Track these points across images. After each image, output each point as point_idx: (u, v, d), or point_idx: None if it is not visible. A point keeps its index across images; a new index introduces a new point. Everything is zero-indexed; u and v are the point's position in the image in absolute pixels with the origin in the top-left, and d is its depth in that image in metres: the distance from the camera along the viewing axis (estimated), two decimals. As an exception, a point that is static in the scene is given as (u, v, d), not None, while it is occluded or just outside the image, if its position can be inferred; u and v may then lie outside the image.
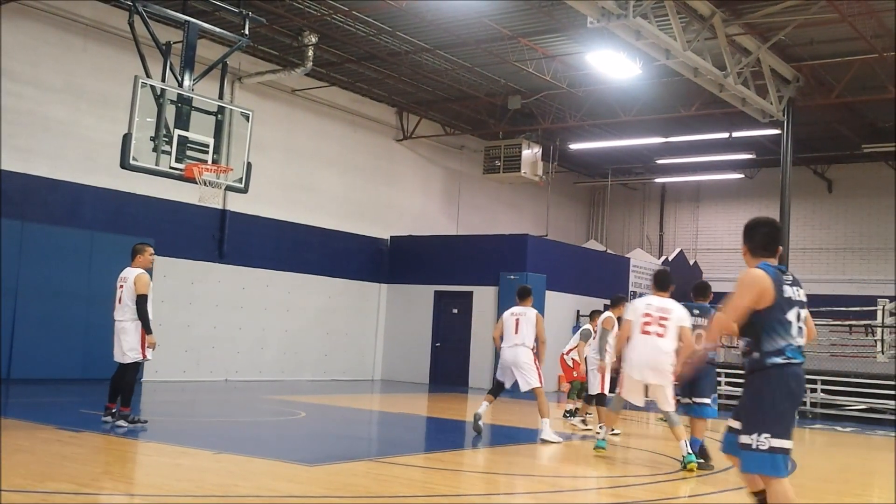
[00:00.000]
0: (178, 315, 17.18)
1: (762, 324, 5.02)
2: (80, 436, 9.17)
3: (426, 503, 6.92)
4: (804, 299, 5.14)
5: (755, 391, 5.07)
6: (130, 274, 10.03)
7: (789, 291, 5.06)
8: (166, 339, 16.82)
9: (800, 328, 5.06)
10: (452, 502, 7.05)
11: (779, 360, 4.99)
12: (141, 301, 9.87)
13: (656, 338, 8.97)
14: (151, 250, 10.40)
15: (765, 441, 4.94)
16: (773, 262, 5.19)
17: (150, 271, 10.25)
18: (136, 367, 10.02)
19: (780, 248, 5.32)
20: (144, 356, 9.98)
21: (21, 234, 14.80)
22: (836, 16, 14.51)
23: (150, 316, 9.99)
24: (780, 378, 4.99)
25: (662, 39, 13.75)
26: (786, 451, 4.98)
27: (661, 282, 9.35)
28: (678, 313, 9.06)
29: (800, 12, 14.60)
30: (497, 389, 11.19)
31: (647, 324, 9.03)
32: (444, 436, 12.33)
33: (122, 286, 10.04)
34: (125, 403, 9.91)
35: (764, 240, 5.26)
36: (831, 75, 17.99)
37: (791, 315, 5.03)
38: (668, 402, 9.02)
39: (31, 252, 14.89)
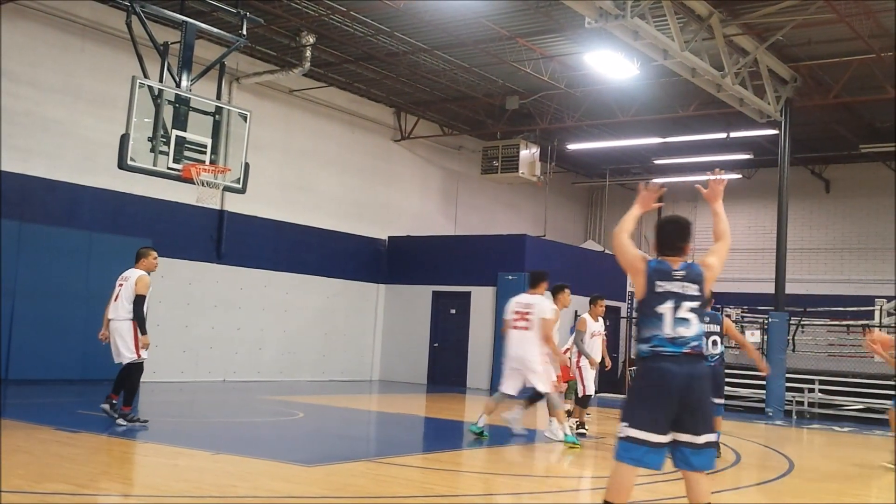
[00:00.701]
0: (176, 315, 17.17)
1: (639, 315, 5.33)
2: (78, 436, 9.17)
3: (425, 503, 6.92)
4: (694, 293, 5.31)
5: (632, 381, 5.37)
6: (133, 274, 10.10)
7: (668, 286, 5.31)
8: (164, 339, 16.84)
9: (682, 319, 5.20)
10: (451, 502, 7.05)
11: (645, 348, 5.21)
12: (138, 301, 9.93)
13: (523, 331, 10.23)
14: (155, 254, 10.47)
15: (623, 429, 5.13)
16: (678, 260, 5.46)
17: (151, 275, 10.31)
18: (139, 368, 10.07)
19: (682, 244, 5.56)
20: (139, 355, 9.97)
21: (19, 235, 14.78)
22: (833, 16, 14.52)
23: (148, 319, 10.04)
24: (645, 370, 5.20)
25: (660, 40, 13.76)
26: (644, 443, 5.08)
27: (533, 280, 10.62)
28: (539, 307, 10.27)
29: (798, 13, 14.61)
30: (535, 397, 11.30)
31: (516, 320, 10.32)
32: (443, 436, 12.33)
33: (121, 285, 10.10)
34: (126, 403, 9.96)
35: (668, 238, 5.57)
36: (829, 75, 18.00)
37: (664, 307, 5.23)
38: (543, 386, 10.28)
39: (29, 252, 14.88)
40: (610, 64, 16.18)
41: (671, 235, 5.58)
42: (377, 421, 13.94)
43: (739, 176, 26.60)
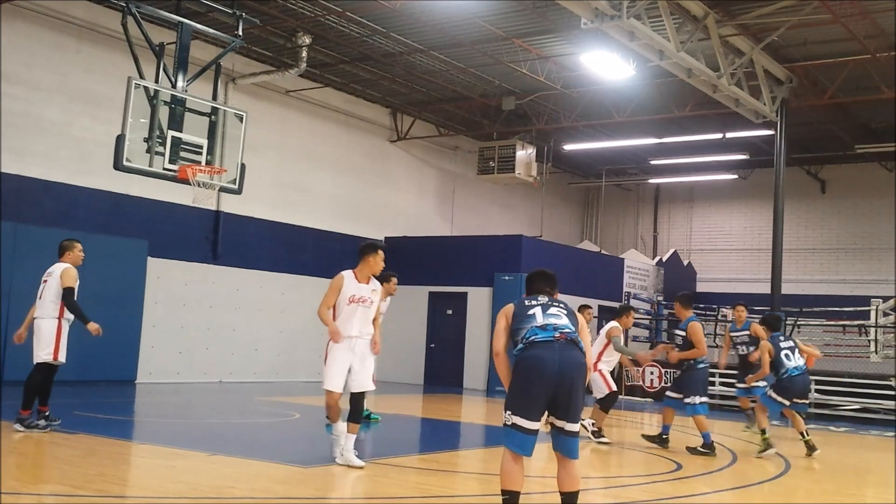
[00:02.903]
0: (171, 316, 17.15)
1: (514, 333, 5.72)
2: (74, 438, 9.15)
3: (421, 504, 6.91)
4: (561, 307, 5.82)
5: (513, 373, 5.70)
6: (57, 269, 9.54)
7: (534, 302, 5.81)
8: (160, 340, 16.85)
9: (551, 314, 5.68)
10: (447, 503, 7.04)
11: (520, 347, 5.61)
12: (67, 294, 9.38)
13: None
14: (80, 247, 9.86)
15: (508, 417, 5.56)
16: (543, 298, 5.89)
17: (78, 269, 9.73)
18: (46, 369, 9.47)
19: (549, 289, 6.02)
20: (56, 357, 9.40)
21: (14, 236, 14.75)
22: (829, 17, 14.54)
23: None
24: (520, 359, 5.58)
25: (656, 40, 13.77)
26: (522, 430, 5.50)
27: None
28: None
29: (793, 13, 14.63)
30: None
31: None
32: (439, 437, 12.33)
33: (45, 281, 9.57)
34: (26, 407, 9.37)
35: (535, 285, 6.05)
36: (824, 76, 18.03)
37: (534, 310, 5.73)
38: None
39: (24, 253, 14.83)
40: (606, 64, 16.18)
41: (538, 282, 6.05)
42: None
43: (735, 176, 26.66)
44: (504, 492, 5.57)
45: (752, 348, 13.44)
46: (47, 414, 9.58)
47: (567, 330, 5.57)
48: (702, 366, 10.71)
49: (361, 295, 8.35)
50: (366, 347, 8.42)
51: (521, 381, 5.54)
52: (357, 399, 8.41)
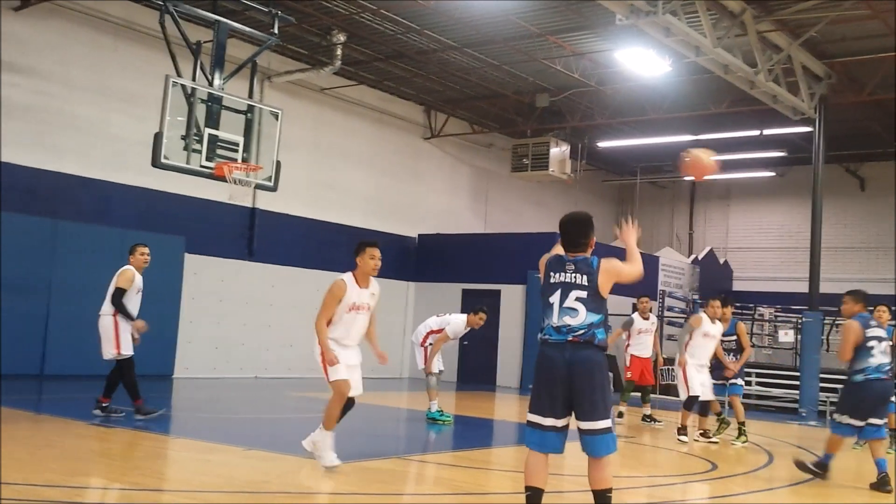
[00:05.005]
0: (208, 312, 17.30)
1: (541, 305, 5.71)
2: (112, 431, 9.26)
3: (453, 501, 6.92)
4: (583, 283, 5.63)
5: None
6: (119, 270, 10.17)
7: (559, 276, 5.73)
8: (197, 336, 17.02)
9: (569, 309, 5.55)
10: (479, 500, 7.04)
11: (539, 337, 5.64)
12: (116, 294, 9.96)
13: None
14: (144, 250, 10.32)
15: (528, 415, 5.58)
16: (578, 255, 5.85)
17: (145, 271, 10.35)
18: (129, 363, 10.01)
19: (583, 240, 5.93)
20: (119, 352, 9.91)
21: (53, 232, 14.96)
22: (867, 12, 14.34)
23: (135, 311, 10.06)
24: (537, 357, 5.61)
25: (692, 36, 13.65)
26: (537, 426, 5.51)
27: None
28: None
29: (831, 9, 14.44)
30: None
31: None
32: (472, 434, 12.33)
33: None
34: (136, 397, 10.00)
35: (568, 237, 6.02)
36: (863, 72, 17.77)
37: (553, 297, 5.62)
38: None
39: (63, 249, 15.04)
40: (641, 61, 16.07)
41: (571, 234, 5.99)
42: (406, 418, 13.96)
43: (773, 174, 26.38)
44: (527, 488, 5.55)
45: None
46: (105, 405, 10.01)
47: (581, 332, 5.50)
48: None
49: (362, 302, 7.93)
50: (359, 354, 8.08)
51: (537, 380, 5.63)
52: (351, 403, 8.19)
